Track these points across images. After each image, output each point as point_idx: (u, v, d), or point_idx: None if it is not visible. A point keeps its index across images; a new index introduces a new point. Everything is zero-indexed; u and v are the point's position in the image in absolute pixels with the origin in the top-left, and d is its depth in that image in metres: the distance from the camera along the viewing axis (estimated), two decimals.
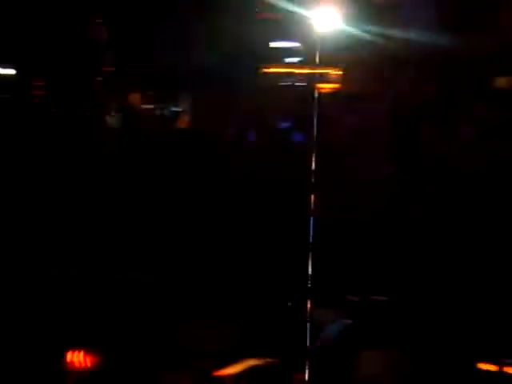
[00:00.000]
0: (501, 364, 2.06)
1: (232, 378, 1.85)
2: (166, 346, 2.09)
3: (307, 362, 1.96)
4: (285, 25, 13.18)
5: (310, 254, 3.39)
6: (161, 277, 3.36)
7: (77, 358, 2.25)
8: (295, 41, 13.51)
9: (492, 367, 2.05)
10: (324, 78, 12.33)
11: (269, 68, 12.63)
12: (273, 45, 13.49)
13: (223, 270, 3.17)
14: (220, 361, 1.96)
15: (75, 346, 2.34)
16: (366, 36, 12.24)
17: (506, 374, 2.01)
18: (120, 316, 2.60)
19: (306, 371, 2.01)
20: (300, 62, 13.10)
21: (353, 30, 12.64)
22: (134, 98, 9.30)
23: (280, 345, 2.01)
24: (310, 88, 11.72)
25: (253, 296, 2.44)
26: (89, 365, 2.27)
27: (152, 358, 2.08)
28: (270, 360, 1.93)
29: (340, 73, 12.42)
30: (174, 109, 9.74)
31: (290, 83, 12.50)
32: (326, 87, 12.15)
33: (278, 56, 13.28)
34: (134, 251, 3.99)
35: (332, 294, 2.51)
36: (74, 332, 2.49)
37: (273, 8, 13.11)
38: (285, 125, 7.70)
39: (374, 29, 11.85)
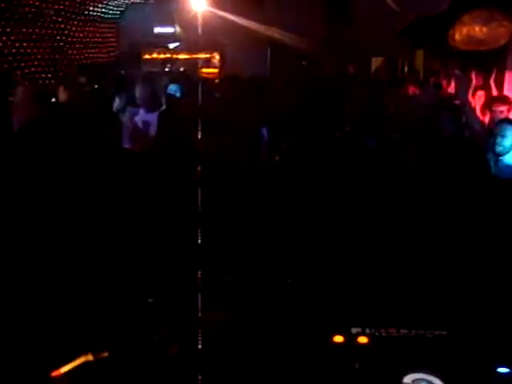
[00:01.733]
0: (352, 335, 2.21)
1: (65, 376, 1.93)
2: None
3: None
4: (165, 10, 13.29)
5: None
6: None
7: None
8: (174, 26, 13.68)
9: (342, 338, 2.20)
10: (205, 63, 12.64)
11: (151, 54, 12.73)
12: (155, 30, 13.57)
13: None
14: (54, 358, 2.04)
15: None
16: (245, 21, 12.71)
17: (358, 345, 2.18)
18: None
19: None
20: (180, 47, 13.32)
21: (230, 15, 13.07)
22: None
23: (116, 337, 2.14)
24: (192, 73, 12.01)
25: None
26: None
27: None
28: (102, 354, 2.04)
29: (219, 58, 12.79)
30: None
31: (172, 68, 12.66)
32: (207, 72, 12.47)
33: (160, 42, 13.38)
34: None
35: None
36: None
37: None
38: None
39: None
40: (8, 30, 9.98)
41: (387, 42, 12.58)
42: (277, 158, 6.21)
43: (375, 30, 12.02)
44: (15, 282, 2.43)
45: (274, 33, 12.27)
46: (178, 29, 13.41)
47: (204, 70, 12.51)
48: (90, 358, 2.01)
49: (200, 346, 2.16)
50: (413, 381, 2.20)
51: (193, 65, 12.57)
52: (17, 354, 2.11)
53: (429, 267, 3.12)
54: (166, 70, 12.47)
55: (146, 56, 12.56)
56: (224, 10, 12.04)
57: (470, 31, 9.65)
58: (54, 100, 9.89)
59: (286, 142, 6.63)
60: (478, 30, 9.60)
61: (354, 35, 12.32)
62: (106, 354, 2.02)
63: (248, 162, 5.44)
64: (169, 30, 13.49)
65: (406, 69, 13.95)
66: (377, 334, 2.62)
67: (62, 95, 10.84)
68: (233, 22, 12.49)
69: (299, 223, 3.73)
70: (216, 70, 12.65)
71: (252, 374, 2.29)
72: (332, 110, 7.34)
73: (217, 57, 12.89)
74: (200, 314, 2.45)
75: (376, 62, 14.39)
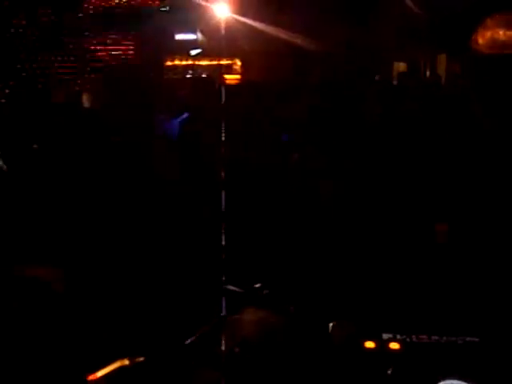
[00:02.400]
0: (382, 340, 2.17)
1: (102, 379, 1.95)
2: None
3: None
4: (186, 17, 13.39)
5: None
6: None
7: None
8: (196, 33, 13.78)
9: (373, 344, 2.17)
10: (227, 70, 12.70)
11: (173, 60, 12.83)
12: (177, 37, 13.66)
13: None
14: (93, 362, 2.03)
15: None
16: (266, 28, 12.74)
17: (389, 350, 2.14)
18: None
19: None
20: (202, 53, 13.41)
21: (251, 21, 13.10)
22: None
23: (149, 343, 2.13)
24: (214, 79, 12.06)
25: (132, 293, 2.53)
26: None
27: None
28: (138, 359, 2.05)
29: (240, 64, 12.84)
30: None
31: (194, 75, 12.74)
32: (229, 78, 12.52)
33: (182, 48, 13.47)
34: None
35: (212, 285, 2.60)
36: None
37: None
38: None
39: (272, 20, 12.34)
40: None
41: (409, 46, 12.52)
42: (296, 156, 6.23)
43: (397, 34, 11.97)
44: (55, 288, 2.47)
45: (296, 38, 12.29)
46: (199, 35, 13.50)
47: (226, 76, 12.57)
48: (125, 362, 2.04)
49: (228, 350, 2.18)
50: None
51: (214, 71, 12.64)
52: (55, 358, 2.15)
53: (461, 274, 3.11)
54: (188, 76, 12.56)
55: (168, 63, 12.67)
56: (245, 16, 12.10)
57: (494, 35, 9.59)
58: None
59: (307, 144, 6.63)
60: (502, 34, 9.53)
61: (376, 40, 12.29)
62: (141, 359, 2.04)
63: (273, 165, 5.45)
64: (190, 36, 13.59)
65: (428, 73, 13.88)
66: (408, 340, 2.62)
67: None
68: (254, 28, 12.54)
69: (325, 229, 3.73)
70: (238, 77, 12.71)
71: (285, 379, 2.30)
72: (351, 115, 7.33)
73: (238, 63, 12.94)
74: (228, 319, 2.47)
75: (398, 66, 14.35)
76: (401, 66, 14.56)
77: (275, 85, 9.21)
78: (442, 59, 13.63)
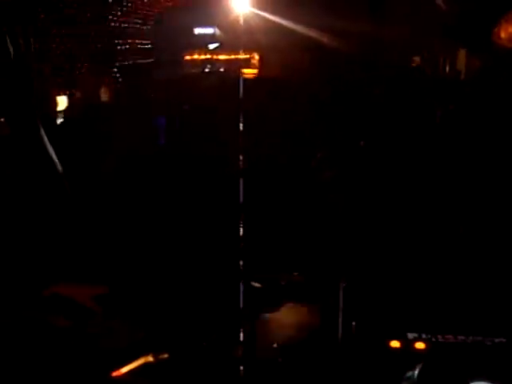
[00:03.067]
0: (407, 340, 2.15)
1: (126, 375, 1.94)
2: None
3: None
4: (205, 11, 13.37)
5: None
6: None
7: None
8: (214, 27, 13.76)
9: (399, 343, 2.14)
10: (245, 63, 12.67)
11: (191, 55, 12.83)
12: (195, 31, 13.65)
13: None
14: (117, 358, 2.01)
15: None
16: (284, 22, 12.68)
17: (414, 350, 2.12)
18: None
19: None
20: (220, 47, 13.39)
21: (270, 16, 13.05)
22: None
23: (174, 339, 2.11)
24: (232, 73, 12.04)
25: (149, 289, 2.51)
26: None
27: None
28: (162, 355, 2.02)
29: (258, 58, 12.81)
30: None
31: (212, 69, 12.73)
32: (247, 72, 12.49)
33: (201, 42, 13.46)
34: None
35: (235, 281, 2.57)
36: None
37: None
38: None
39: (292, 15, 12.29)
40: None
41: (429, 40, 12.38)
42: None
43: (416, 29, 11.84)
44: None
45: (314, 33, 12.21)
46: (217, 30, 13.48)
47: (244, 70, 12.54)
48: (150, 358, 2.03)
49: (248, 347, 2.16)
50: None
51: (232, 65, 12.62)
52: (79, 354, 2.15)
53: (487, 273, 3.06)
54: (206, 70, 12.55)
55: (187, 57, 12.67)
56: (264, 10, 12.04)
57: None
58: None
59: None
60: None
61: (394, 34, 12.16)
62: (165, 356, 2.03)
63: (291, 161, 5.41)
64: (209, 31, 13.57)
65: (447, 68, 13.72)
66: (433, 339, 2.58)
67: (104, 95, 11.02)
68: (272, 22, 12.48)
69: (353, 225, 3.70)
70: (255, 71, 12.67)
71: (310, 377, 2.27)
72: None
73: (256, 57, 12.91)
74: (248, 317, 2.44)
75: (416, 61, 14.20)
76: (420, 61, 14.43)
77: (293, 80, 9.14)
78: (462, 54, 13.47)
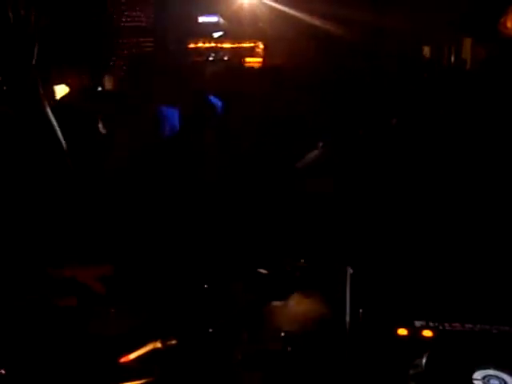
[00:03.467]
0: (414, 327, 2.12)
1: (133, 362, 1.92)
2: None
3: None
4: None
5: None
6: None
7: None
8: (219, 15, 13.71)
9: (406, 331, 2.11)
10: (249, 52, 12.63)
11: (196, 43, 12.78)
12: (199, 20, 13.61)
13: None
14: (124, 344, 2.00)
15: None
16: (289, 10, 12.62)
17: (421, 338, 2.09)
18: None
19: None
20: (225, 36, 13.34)
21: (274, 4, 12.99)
22: None
23: (183, 324, 2.09)
24: (236, 62, 12.00)
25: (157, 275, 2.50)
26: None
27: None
28: (171, 341, 2.01)
29: (263, 47, 12.76)
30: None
31: (216, 57, 12.69)
32: (251, 61, 12.45)
33: (205, 30, 13.42)
34: None
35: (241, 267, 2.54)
36: None
37: None
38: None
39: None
40: None
41: (435, 29, 12.32)
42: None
43: (424, 18, 11.78)
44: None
45: (320, 22, 12.17)
46: (221, 18, 13.44)
47: (247, 59, 12.50)
48: (158, 345, 2.03)
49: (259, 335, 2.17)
50: (483, 377, 2.15)
51: (237, 54, 12.58)
52: (85, 339, 2.15)
53: (494, 261, 3.05)
54: (210, 59, 12.51)
55: (191, 45, 12.63)
56: None
57: None
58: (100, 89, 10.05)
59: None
60: None
61: (403, 23, 12.10)
62: (174, 342, 2.03)
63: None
64: (213, 19, 13.53)
65: (452, 58, 13.65)
66: (441, 327, 2.57)
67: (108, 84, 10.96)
68: (278, 10, 12.42)
69: (361, 211, 3.69)
70: (260, 60, 12.63)
71: (314, 365, 2.27)
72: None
73: (261, 46, 12.87)
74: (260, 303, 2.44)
75: (424, 50, 14.12)
76: (426, 50, 14.34)
77: (298, 69, 9.09)
78: (468, 43, 13.39)
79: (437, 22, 12.26)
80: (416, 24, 12.34)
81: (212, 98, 7.77)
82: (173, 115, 7.12)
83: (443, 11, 12.20)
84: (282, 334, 2.27)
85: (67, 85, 8.72)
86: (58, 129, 3.65)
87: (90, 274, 2.38)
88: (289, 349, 2.24)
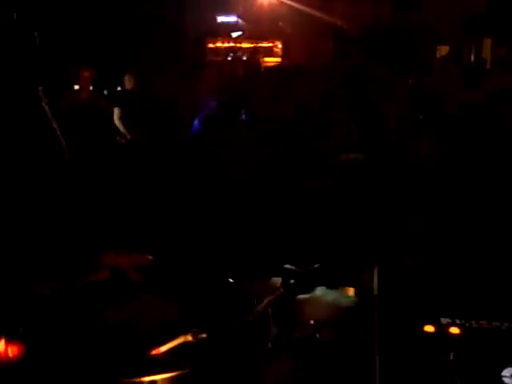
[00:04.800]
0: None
1: (164, 355, 1.95)
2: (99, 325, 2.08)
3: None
4: None
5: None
6: None
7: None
8: (237, 15, 13.76)
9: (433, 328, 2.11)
10: (268, 52, 12.66)
11: (215, 43, 12.83)
12: (218, 20, 13.67)
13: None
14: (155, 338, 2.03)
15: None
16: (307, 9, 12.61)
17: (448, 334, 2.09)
18: None
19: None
20: (243, 36, 13.37)
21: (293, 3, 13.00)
22: None
23: (212, 319, 2.12)
24: (255, 62, 12.02)
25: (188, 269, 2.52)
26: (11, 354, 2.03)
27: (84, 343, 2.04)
28: (202, 335, 2.02)
29: (281, 46, 12.77)
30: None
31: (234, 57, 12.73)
32: (269, 61, 12.47)
33: (224, 30, 13.48)
34: None
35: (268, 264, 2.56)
36: None
37: None
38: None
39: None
40: None
41: (454, 29, 12.25)
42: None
43: (442, 17, 11.72)
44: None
45: (337, 21, 12.16)
46: (240, 18, 13.48)
47: (266, 58, 12.52)
48: (189, 338, 2.05)
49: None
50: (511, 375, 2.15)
51: (255, 53, 12.60)
52: (116, 332, 2.17)
53: None
54: (229, 58, 12.56)
55: (210, 45, 12.68)
56: None
57: None
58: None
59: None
60: None
61: (419, 21, 12.05)
62: (204, 335, 2.05)
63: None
64: (232, 19, 13.57)
65: (472, 57, 13.57)
66: (467, 325, 2.56)
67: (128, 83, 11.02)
68: (296, 10, 12.41)
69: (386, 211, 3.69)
70: (278, 59, 12.65)
71: (344, 363, 2.28)
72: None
73: (279, 46, 12.89)
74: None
75: (440, 50, 14.05)
76: (443, 50, 14.25)
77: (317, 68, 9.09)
78: (488, 43, 13.31)
79: (457, 21, 12.20)
80: (436, 23, 12.31)
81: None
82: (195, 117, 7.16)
83: (463, 11, 12.14)
84: (311, 322, 2.28)
85: (87, 85, 8.81)
86: (62, 139, 3.71)
87: (128, 262, 2.41)
88: (317, 336, 2.26)
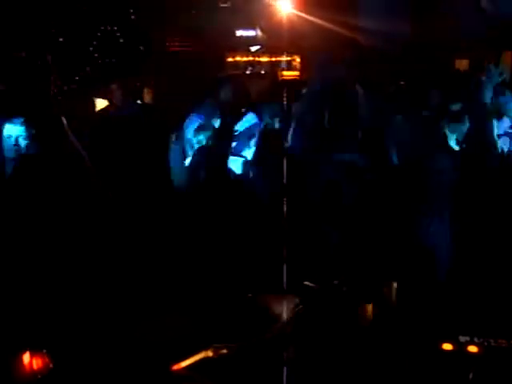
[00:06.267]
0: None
1: (185, 369, 1.94)
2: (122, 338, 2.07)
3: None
4: (246, 13, 13.46)
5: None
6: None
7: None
8: (256, 29, 13.84)
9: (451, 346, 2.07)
10: (286, 66, 12.71)
11: (233, 57, 12.92)
12: (237, 33, 13.76)
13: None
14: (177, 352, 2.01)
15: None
16: (326, 23, 12.67)
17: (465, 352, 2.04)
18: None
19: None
20: (262, 50, 13.45)
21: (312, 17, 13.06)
22: None
23: (234, 333, 2.10)
24: (273, 76, 12.11)
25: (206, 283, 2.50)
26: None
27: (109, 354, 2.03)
28: (222, 350, 2.01)
29: (299, 60, 12.83)
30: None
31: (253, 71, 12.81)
32: (288, 75, 12.53)
33: (242, 44, 13.56)
34: None
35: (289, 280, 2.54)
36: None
37: None
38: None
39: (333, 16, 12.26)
40: None
41: (474, 42, 12.22)
42: None
43: (462, 30, 11.69)
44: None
45: (356, 35, 12.17)
46: (259, 32, 13.56)
47: (284, 72, 12.58)
48: (210, 353, 2.08)
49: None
50: None
51: (273, 67, 12.67)
52: (141, 347, 2.21)
53: None
54: (248, 72, 12.64)
55: (229, 59, 12.78)
56: (306, 13, 12.07)
57: None
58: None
59: None
60: None
61: (439, 35, 12.03)
62: (225, 351, 2.08)
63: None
64: (250, 33, 13.67)
65: None
66: (486, 344, 2.56)
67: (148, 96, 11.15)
68: (314, 24, 12.47)
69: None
70: (297, 73, 12.70)
71: (363, 379, 2.30)
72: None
73: (297, 60, 12.94)
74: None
75: (460, 63, 14.00)
76: (463, 63, 14.20)
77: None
78: (508, 57, 13.23)
79: (475, 35, 12.17)
80: (455, 36, 12.28)
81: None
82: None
83: (482, 25, 12.11)
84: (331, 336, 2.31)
85: (109, 98, 8.95)
86: (83, 154, 3.78)
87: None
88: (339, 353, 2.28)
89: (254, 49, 13.48)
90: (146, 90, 10.98)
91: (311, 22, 12.36)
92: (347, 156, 5.58)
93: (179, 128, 6.76)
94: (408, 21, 12.68)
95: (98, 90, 9.54)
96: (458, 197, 4.34)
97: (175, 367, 2.07)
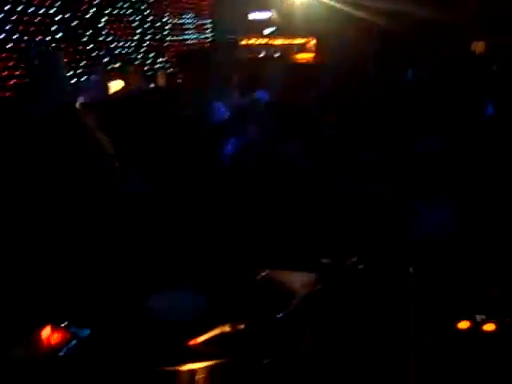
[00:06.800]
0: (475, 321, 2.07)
1: (202, 345, 1.96)
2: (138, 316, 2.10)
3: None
4: None
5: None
6: None
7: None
8: (270, 11, 13.72)
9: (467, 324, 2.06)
10: (301, 49, 12.60)
11: (248, 39, 12.83)
12: (250, 17, 13.67)
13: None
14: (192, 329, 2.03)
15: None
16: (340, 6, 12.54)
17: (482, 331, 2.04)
18: None
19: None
20: (276, 32, 13.33)
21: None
22: None
23: (249, 311, 2.11)
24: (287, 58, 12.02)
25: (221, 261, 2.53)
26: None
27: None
28: (239, 325, 2.02)
29: (314, 43, 12.70)
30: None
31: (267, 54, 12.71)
32: (302, 57, 12.43)
33: (256, 27, 13.47)
34: None
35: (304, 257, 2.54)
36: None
37: None
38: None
39: None
40: None
41: (491, 24, 12.05)
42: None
43: (480, 12, 11.54)
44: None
45: (372, 18, 12.05)
46: (273, 14, 13.46)
47: (299, 55, 12.48)
48: (226, 328, 2.10)
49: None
50: None
51: (288, 50, 12.58)
52: (155, 322, 2.24)
53: None
54: (261, 55, 12.56)
55: (243, 42, 12.70)
56: None
57: None
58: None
59: None
60: None
61: (456, 20, 11.89)
62: (241, 326, 2.10)
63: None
64: (264, 15, 13.56)
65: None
66: (502, 322, 2.55)
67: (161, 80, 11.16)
68: (329, 6, 12.37)
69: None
70: (311, 55, 12.57)
71: (379, 357, 2.31)
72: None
73: (312, 42, 12.81)
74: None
75: (476, 46, 13.82)
76: (479, 46, 14.02)
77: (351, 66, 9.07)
78: None
79: (494, 18, 12.01)
80: (474, 19, 12.14)
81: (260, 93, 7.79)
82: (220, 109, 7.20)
83: (501, 8, 11.94)
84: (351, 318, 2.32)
85: (125, 82, 8.99)
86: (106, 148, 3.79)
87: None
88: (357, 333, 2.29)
89: (267, 31, 13.37)
90: (159, 74, 10.98)
91: (326, 3, 12.26)
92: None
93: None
94: (426, 3, 12.50)
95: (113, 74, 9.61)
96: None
97: (192, 342, 2.09)
